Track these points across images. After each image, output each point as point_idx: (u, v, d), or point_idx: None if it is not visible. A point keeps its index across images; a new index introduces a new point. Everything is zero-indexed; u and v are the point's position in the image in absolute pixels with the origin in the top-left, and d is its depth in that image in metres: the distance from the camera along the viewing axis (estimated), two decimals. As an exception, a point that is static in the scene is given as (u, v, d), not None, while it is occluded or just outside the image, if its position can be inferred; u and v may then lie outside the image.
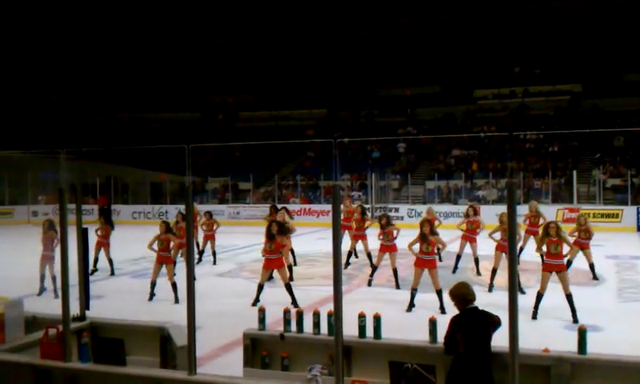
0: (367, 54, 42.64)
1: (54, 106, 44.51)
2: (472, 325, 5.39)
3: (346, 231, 18.09)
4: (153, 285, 12.79)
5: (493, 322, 5.43)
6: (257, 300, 11.77)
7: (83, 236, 6.85)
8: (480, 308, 5.57)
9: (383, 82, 43.28)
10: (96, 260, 15.72)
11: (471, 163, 34.41)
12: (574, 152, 33.64)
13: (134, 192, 36.15)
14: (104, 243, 15.84)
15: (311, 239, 22.80)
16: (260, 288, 12.10)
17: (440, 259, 16.97)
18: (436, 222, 16.23)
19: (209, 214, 18.05)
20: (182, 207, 29.17)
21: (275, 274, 12.76)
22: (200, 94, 46.35)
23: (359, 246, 17.06)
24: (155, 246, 12.97)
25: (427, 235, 11.40)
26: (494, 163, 33.05)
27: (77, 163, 36.32)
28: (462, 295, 5.60)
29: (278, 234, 12.26)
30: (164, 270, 12.82)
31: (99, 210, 28.15)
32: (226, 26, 42.53)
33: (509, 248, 3.77)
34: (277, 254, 12.18)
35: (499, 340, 5.05)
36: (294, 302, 11.41)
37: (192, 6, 40.60)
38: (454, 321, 5.47)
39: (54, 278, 12.66)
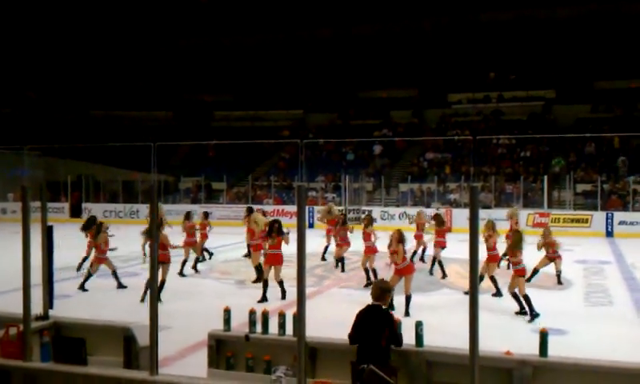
0: (344, 56, 42.68)
1: (31, 102, 43.86)
2: (368, 319, 5.57)
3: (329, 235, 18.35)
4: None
5: (388, 320, 5.52)
6: (264, 298, 11.96)
7: (48, 234, 6.75)
8: (448, 309, 5.63)
9: (360, 84, 43.33)
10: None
11: (444, 167, 34.65)
12: (546, 157, 34.05)
13: (106, 190, 35.71)
14: None
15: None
16: (265, 283, 12.28)
17: (423, 261, 17.14)
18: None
19: (204, 215, 18.54)
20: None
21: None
22: (176, 92, 46.00)
23: (331, 247, 17.12)
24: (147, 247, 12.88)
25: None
26: (467, 167, 33.31)
27: (43, 160, 35.78)
28: (385, 290, 5.80)
29: (278, 232, 12.42)
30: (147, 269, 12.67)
31: (70, 208, 27.75)
32: (204, 25, 42.32)
33: (470, 250, 3.79)
34: (278, 249, 12.33)
35: (463, 342, 5.07)
36: (284, 297, 12.07)
37: (170, 5, 40.31)
38: (358, 314, 5.68)
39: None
